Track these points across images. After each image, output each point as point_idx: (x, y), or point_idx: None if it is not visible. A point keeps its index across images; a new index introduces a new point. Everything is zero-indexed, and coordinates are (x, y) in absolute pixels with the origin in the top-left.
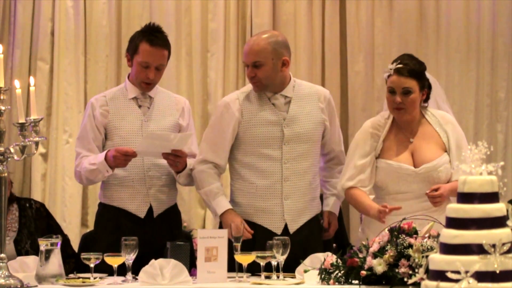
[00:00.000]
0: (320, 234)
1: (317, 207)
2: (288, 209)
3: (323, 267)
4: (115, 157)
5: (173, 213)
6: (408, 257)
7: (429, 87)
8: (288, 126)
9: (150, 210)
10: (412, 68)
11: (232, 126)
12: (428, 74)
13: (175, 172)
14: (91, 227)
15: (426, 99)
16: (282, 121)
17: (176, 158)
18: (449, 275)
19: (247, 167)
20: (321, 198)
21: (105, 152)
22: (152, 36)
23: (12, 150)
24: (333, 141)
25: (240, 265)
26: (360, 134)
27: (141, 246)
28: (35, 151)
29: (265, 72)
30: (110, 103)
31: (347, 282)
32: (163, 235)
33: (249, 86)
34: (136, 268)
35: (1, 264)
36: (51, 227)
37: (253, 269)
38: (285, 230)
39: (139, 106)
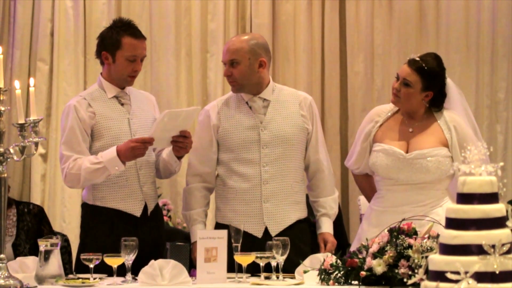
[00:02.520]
0: (309, 237)
1: (301, 211)
2: (267, 212)
3: (322, 267)
4: (135, 148)
5: (158, 210)
6: (407, 258)
7: (441, 93)
8: (265, 129)
9: (145, 208)
10: (422, 65)
11: (212, 133)
12: (453, 85)
13: (178, 158)
14: None
15: (436, 104)
16: (259, 124)
17: (186, 140)
18: (449, 275)
19: (228, 172)
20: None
21: (112, 149)
22: (133, 29)
23: (11, 150)
24: (311, 147)
25: (240, 265)
26: (365, 119)
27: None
28: (34, 152)
29: (241, 71)
30: (93, 104)
31: (346, 282)
32: (156, 233)
33: (231, 93)
34: (132, 268)
35: (0, 264)
36: (41, 232)
37: (253, 270)
38: (267, 233)
39: (122, 104)
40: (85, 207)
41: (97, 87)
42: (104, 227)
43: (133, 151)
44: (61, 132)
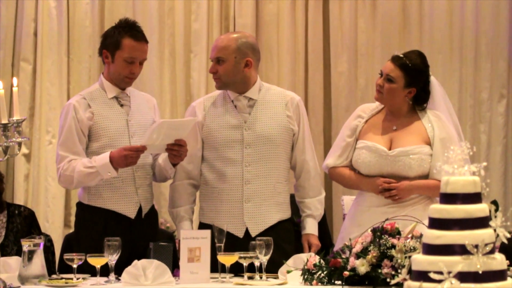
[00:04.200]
0: (292, 237)
1: (284, 212)
2: (248, 212)
3: (306, 267)
4: (127, 156)
5: (153, 212)
6: (391, 258)
7: (424, 90)
8: (249, 128)
9: (139, 210)
10: (405, 62)
11: (197, 130)
12: (436, 84)
13: (173, 165)
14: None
15: (419, 101)
16: (243, 123)
17: (181, 148)
18: (432, 275)
19: (211, 171)
20: (295, 203)
21: (106, 154)
22: (135, 31)
23: None
24: (297, 147)
25: (223, 265)
26: (350, 116)
27: (129, 248)
28: (18, 152)
29: (226, 69)
30: (92, 104)
31: (330, 282)
32: (149, 235)
33: (218, 91)
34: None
35: None
36: (31, 235)
37: (236, 270)
38: (248, 234)
39: (121, 105)
40: (80, 206)
41: (98, 86)
42: (98, 227)
43: (125, 159)
44: (59, 130)
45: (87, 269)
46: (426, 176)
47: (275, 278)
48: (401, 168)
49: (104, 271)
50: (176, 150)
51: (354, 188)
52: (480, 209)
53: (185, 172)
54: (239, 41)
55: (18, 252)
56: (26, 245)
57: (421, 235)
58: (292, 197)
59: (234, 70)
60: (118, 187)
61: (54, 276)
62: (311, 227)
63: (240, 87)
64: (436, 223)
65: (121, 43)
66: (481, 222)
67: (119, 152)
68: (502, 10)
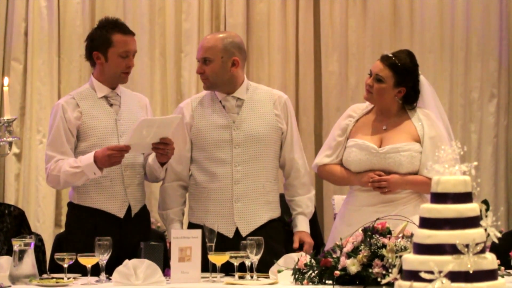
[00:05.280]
0: (282, 236)
1: (274, 211)
2: (238, 212)
3: (296, 267)
4: (111, 156)
5: (144, 212)
6: (381, 257)
7: (414, 89)
8: (238, 128)
9: (129, 210)
10: (394, 61)
11: (185, 131)
12: (426, 83)
13: (161, 165)
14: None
15: (409, 101)
16: (232, 123)
17: (166, 147)
18: (423, 275)
19: (200, 171)
20: (284, 202)
21: (90, 154)
22: (121, 26)
23: None
24: (286, 146)
25: (214, 265)
26: (341, 116)
27: (119, 247)
28: (8, 152)
29: (213, 69)
30: (81, 104)
31: (320, 282)
32: (140, 235)
33: (205, 91)
34: (113, 270)
35: None
36: (20, 234)
37: (227, 269)
38: (238, 234)
39: (111, 105)
40: (70, 206)
41: (88, 86)
42: (88, 227)
43: (109, 158)
44: (48, 130)
45: (78, 269)
46: (416, 173)
47: (265, 277)
48: (391, 165)
49: (95, 270)
50: (162, 148)
51: (345, 184)
52: (470, 208)
53: (174, 173)
54: (225, 41)
55: (9, 251)
56: (17, 244)
57: (412, 235)
58: (282, 196)
59: (221, 70)
60: (106, 187)
61: (45, 275)
62: (302, 225)
63: (228, 87)
64: (427, 223)
65: (112, 40)
66: (472, 222)
67: (103, 151)
68: (493, 9)
